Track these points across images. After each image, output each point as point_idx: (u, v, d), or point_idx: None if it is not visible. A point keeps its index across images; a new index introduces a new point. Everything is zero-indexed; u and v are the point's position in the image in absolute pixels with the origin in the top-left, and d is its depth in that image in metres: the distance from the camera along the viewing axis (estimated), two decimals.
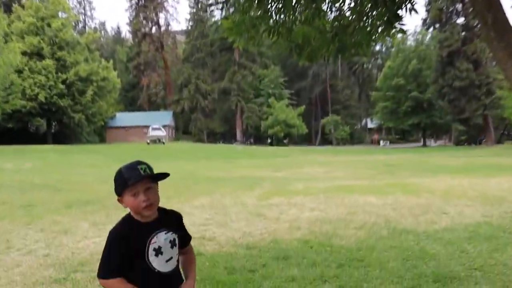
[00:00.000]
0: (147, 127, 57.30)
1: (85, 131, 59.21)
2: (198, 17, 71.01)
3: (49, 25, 52.56)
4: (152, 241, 2.23)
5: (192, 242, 6.82)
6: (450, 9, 55.46)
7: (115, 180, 2.26)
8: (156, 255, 2.23)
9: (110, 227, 7.78)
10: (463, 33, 52.52)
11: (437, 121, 57.22)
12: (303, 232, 7.35)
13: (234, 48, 60.15)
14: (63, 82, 51.60)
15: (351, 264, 5.47)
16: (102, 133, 66.76)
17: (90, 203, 10.58)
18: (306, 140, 78.13)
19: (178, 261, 2.36)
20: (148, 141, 50.59)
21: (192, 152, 39.43)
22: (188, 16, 79.40)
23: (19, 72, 45.40)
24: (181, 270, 2.44)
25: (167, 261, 2.27)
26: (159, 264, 2.24)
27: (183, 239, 2.43)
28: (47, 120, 55.37)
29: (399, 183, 14.30)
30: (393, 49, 66.31)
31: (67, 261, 5.76)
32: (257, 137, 74.95)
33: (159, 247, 2.24)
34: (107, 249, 2.23)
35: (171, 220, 2.38)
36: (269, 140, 71.16)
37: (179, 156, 33.84)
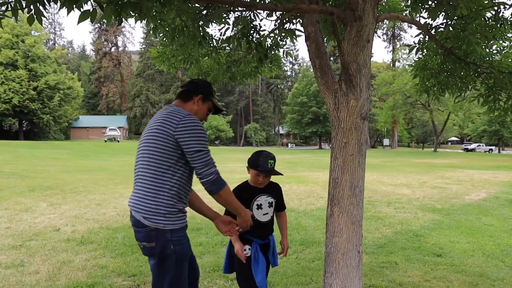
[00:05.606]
0: (105, 128, 55.38)
1: (52, 130, 55.76)
2: (150, 41, 69.22)
3: (23, 41, 49.33)
4: (257, 199, 2.67)
5: (128, 218, 6.84)
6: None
7: (253, 158, 2.69)
8: (257, 209, 2.68)
9: (65, 207, 7.60)
10: None
11: (330, 130, 59.54)
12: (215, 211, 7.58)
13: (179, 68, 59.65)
14: (34, 89, 48.62)
15: None
16: (67, 132, 63.27)
17: (51, 188, 10.22)
18: (233, 142, 78.43)
19: (272, 217, 2.78)
20: (105, 139, 49.00)
21: None
22: (142, 40, 77.11)
23: None
24: (275, 224, 2.89)
25: (264, 214, 2.69)
26: (257, 214, 2.66)
27: (278, 205, 2.85)
28: (19, 120, 51.76)
29: (295, 175, 14.89)
30: (300, 75, 68.27)
31: (24, 232, 5.64)
32: None
33: (260, 204, 2.68)
34: None
35: (273, 189, 2.79)
36: None
37: (130, 152, 32.92)
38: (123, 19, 2.51)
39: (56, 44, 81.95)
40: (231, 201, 2.30)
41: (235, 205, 2.35)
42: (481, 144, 59.22)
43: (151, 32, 3.44)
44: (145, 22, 2.89)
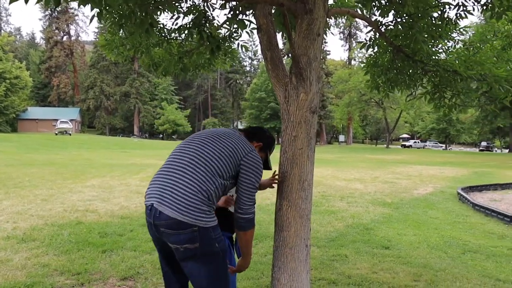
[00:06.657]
0: (56, 120, 53.07)
1: None
2: (105, 31, 66.85)
3: None
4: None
5: (76, 214, 6.51)
6: None
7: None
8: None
9: (7, 202, 7.16)
10: None
11: None
12: None
13: (135, 60, 58.00)
14: None
15: None
16: (14, 124, 59.87)
17: None
18: None
19: None
20: (56, 132, 46.89)
21: (94, 142, 37.18)
22: (96, 30, 74.25)
23: None
24: None
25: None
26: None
27: None
28: None
29: None
30: (259, 70, 68.49)
31: None
32: (151, 132, 72.81)
33: (233, 195, 2.59)
34: None
35: None
36: (160, 135, 69.62)
37: (82, 146, 31.73)
38: (64, 2, 2.36)
39: (2, 31, 77.37)
40: (250, 243, 2.35)
41: (250, 247, 2.37)
42: (416, 141, 65.42)
43: (95, 17, 3.26)
44: (89, 6, 2.73)
